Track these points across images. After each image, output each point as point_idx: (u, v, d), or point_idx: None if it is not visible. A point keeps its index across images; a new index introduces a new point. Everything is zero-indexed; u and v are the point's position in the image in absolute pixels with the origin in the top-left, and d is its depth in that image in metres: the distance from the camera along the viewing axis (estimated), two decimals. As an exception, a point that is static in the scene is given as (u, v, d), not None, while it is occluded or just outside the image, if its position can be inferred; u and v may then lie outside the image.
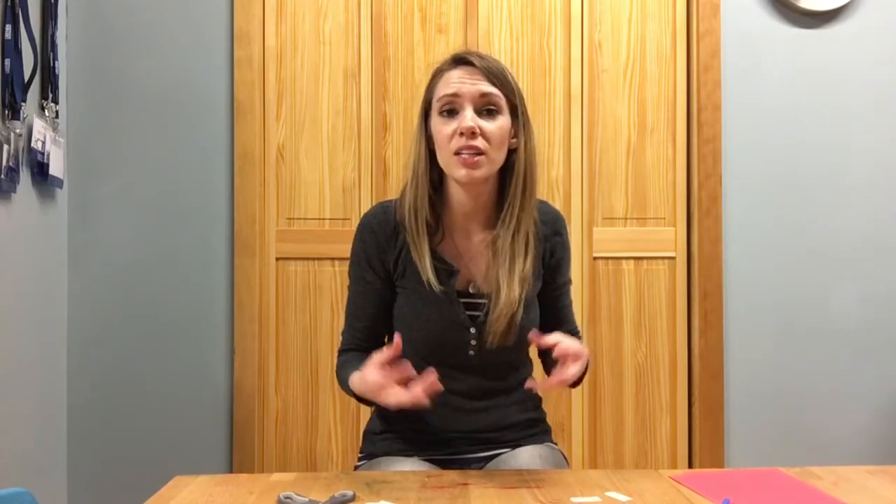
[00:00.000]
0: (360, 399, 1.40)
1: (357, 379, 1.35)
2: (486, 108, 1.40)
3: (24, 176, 1.89)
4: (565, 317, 1.55)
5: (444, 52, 2.21)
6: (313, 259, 2.26)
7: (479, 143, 1.37)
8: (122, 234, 2.19)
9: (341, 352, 1.50)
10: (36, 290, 2.00)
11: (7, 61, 1.78)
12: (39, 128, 1.92)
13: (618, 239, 2.31)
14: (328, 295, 2.25)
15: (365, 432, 1.57)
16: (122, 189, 2.19)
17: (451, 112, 1.40)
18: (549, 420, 1.60)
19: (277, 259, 2.26)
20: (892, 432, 2.30)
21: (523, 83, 2.24)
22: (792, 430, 2.29)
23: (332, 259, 2.24)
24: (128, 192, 2.19)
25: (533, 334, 1.29)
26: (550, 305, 1.51)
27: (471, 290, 1.46)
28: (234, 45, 2.21)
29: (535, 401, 1.57)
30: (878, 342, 2.31)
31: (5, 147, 1.76)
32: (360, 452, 1.57)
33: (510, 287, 1.40)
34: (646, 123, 2.31)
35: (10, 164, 1.79)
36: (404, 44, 2.28)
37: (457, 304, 1.43)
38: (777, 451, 2.27)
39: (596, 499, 1.16)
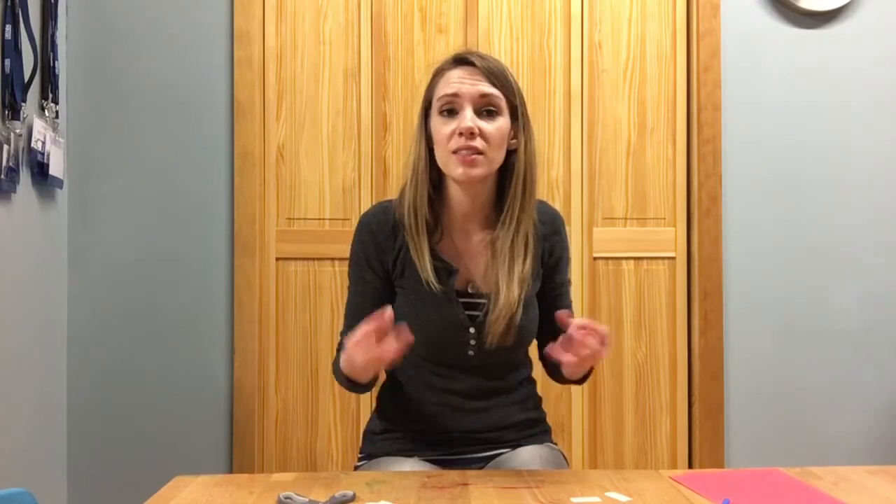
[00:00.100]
0: (350, 383, 1.39)
1: (344, 355, 1.33)
2: (485, 109, 1.40)
3: (24, 176, 1.89)
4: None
5: (444, 52, 2.21)
6: (313, 259, 2.26)
7: (478, 143, 1.37)
8: (122, 234, 2.19)
9: (337, 352, 1.50)
10: (36, 290, 2.00)
11: (7, 61, 1.78)
12: (39, 128, 1.92)
13: (618, 239, 2.31)
14: (328, 295, 2.25)
15: (365, 432, 1.57)
16: (122, 189, 2.19)
17: (450, 112, 1.40)
18: (549, 420, 1.60)
19: (277, 259, 2.26)
20: (892, 432, 2.30)
21: (523, 83, 2.24)
22: (792, 430, 2.29)
23: (332, 259, 2.24)
24: (128, 192, 2.19)
25: (563, 314, 1.27)
26: (550, 305, 1.51)
27: (469, 290, 1.46)
28: (234, 45, 2.21)
29: (535, 401, 1.57)
30: (878, 342, 2.31)
31: (5, 147, 1.76)
32: (360, 452, 1.57)
33: (509, 288, 1.40)
34: (646, 123, 2.31)
35: (10, 164, 1.79)
36: (404, 44, 2.28)
37: (456, 303, 1.43)
38: (777, 451, 2.27)
39: (596, 499, 1.16)
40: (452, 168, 1.40)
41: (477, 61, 1.41)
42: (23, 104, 1.84)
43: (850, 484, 1.24)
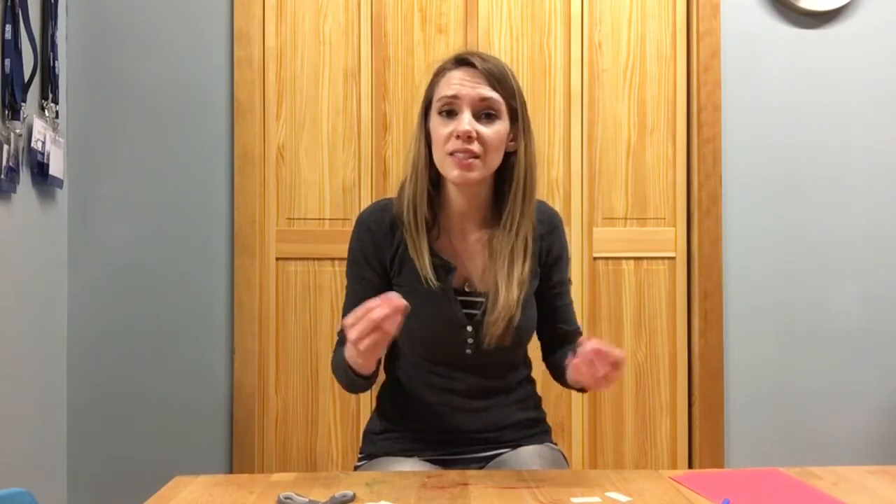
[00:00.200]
0: (351, 377, 1.36)
1: (347, 344, 1.29)
2: (484, 112, 1.40)
3: (24, 176, 1.89)
4: (566, 316, 1.54)
5: (444, 52, 2.21)
6: (313, 259, 2.26)
7: (475, 146, 1.38)
8: (122, 234, 2.19)
9: (336, 350, 1.50)
10: (36, 290, 2.00)
11: (7, 61, 1.78)
12: (39, 128, 1.92)
13: (618, 239, 2.31)
14: (328, 295, 2.25)
15: (365, 432, 1.57)
16: (122, 189, 2.19)
17: (449, 113, 1.40)
18: (549, 420, 1.60)
19: (277, 259, 2.26)
20: (892, 432, 2.30)
21: (523, 83, 2.21)
22: (792, 430, 2.29)
23: (332, 259, 2.24)
24: (128, 192, 2.19)
25: (582, 340, 1.24)
26: (550, 304, 1.51)
27: (466, 289, 1.46)
28: (234, 45, 2.21)
29: (534, 400, 1.57)
30: (878, 342, 2.31)
31: (5, 147, 1.76)
32: (360, 452, 1.57)
33: (509, 290, 1.40)
34: (646, 123, 2.31)
35: (10, 164, 1.79)
36: (404, 44, 2.28)
37: (454, 301, 1.43)
38: (777, 451, 2.27)
39: (596, 499, 1.16)
40: (448, 170, 1.40)
41: (478, 63, 1.41)
42: (23, 104, 1.84)
43: (850, 484, 1.24)
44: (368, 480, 1.26)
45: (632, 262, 2.31)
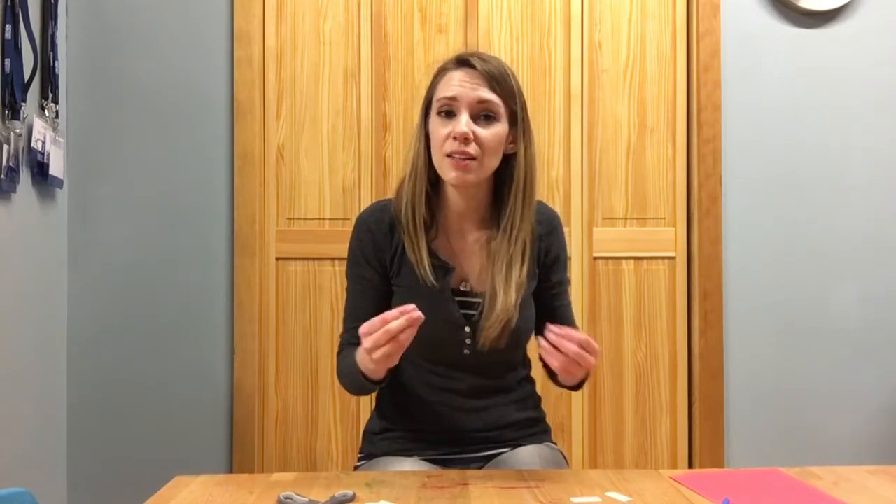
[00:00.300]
0: (360, 381, 1.36)
1: (361, 349, 1.30)
2: (483, 114, 1.40)
3: (24, 176, 1.89)
4: (564, 317, 1.54)
5: (444, 52, 2.21)
6: (313, 259, 2.26)
7: (472, 149, 1.38)
8: (122, 234, 2.19)
9: (340, 352, 1.50)
10: (36, 290, 2.00)
11: (7, 61, 1.78)
12: (39, 128, 1.92)
13: (618, 239, 2.31)
14: (328, 295, 2.25)
15: (365, 432, 1.57)
16: (122, 189, 2.19)
17: (448, 114, 1.41)
18: (549, 420, 1.60)
19: (277, 259, 2.26)
20: (892, 432, 2.30)
21: (523, 83, 2.22)
22: (792, 430, 2.29)
23: (332, 259, 2.24)
24: (128, 192, 2.19)
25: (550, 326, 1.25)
26: (548, 304, 1.51)
27: (464, 289, 1.46)
28: (234, 45, 2.21)
29: (534, 400, 1.57)
30: (878, 342, 2.31)
31: (5, 147, 1.76)
32: (360, 452, 1.57)
33: (507, 294, 1.40)
34: (646, 123, 2.31)
35: (10, 164, 1.79)
36: (404, 44, 2.28)
37: (452, 301, 1.44)
38: (777, 451, 2.27)
39: (596, 499, 1.16)
40: (446, 171, 1.40)
41: (478, 64, 1.40)
42: (23, 104, 1.84)
43: (850, 484, 1.24)
44: (368, 480, 1.26)
45: (632, 262, 2.31)
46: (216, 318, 2.20)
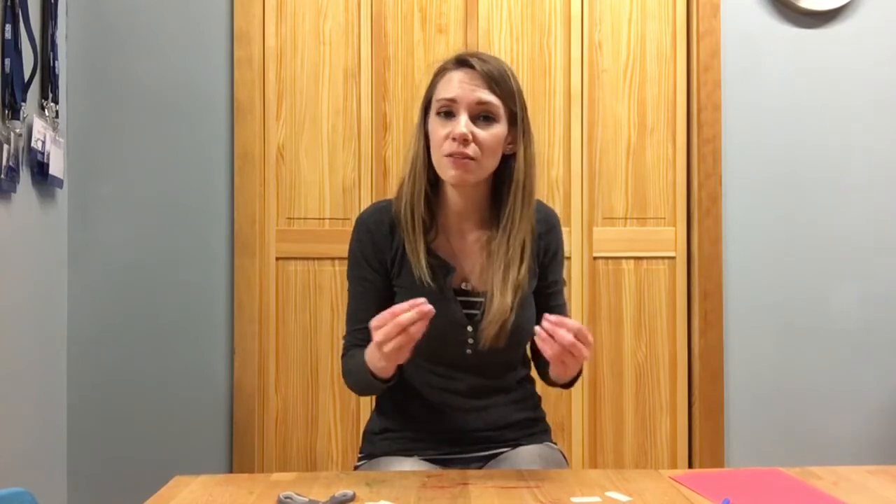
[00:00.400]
0: (368, 380, 1.36)
1: (371, 346, 1.30)
2: (482, 115, 1.40)
3: (24, 176, 1.89)
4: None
5: (444, 52, 2.21)
6: (313, 259, 2.26)
7: (471, 150, 1.38)
8: (122, 234, 2.19)
9: (344, 355, 1.50)
10: (36, 290, 2.00)
11: (7, 61, 1.78)
12: (39, 128, 1.92)
13: (618, 239, 2.31)
14: (328, 295, 2.25)
15: (365, 432, 1.57)
16: (122, 189, 2.19)
17: (447, 114, 1.41)
18: (549, 420, 1.60)
19: (277, 259, 2.26)
20: (892, 432, 2.30)
21: (523, 83, 2.21)
22: (792, 430, 2.29)
23: (332, 259, 2.24)
24: (128, 192, 2.19)
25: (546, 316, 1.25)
26: (544, 304, 1.51)
27: (465, 289, 1.46)
28: (234, 45, 2.21)
29: (534, 400, 1.57)
30: (878, 342, 2.31)
31: (5, 147, 1.76)
32: (360, 452, 1.57)
33: (503, 295, 1.40)
34: (646, 123, 2.31)
35: (10, 164, 1.79)
36: (404, 44, 2.28)
37: (453, 301, 1.44)
38: (777, 451, 2.27)
39: (596, 499, 1.16)
40: (445, 171, 1.41)
41: (478, 65, 1.40)
42: (23, 104, 1.84)
43: (850, 484, 1.24)
44: (368, 480, 1.26)
45: (632, 261, 2.31)
46: (216, 318, 2.20)
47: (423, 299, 1.21)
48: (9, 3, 1.80)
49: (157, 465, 2.13)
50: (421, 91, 1.50)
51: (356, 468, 1.53)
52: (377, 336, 1.23)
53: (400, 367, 1.36)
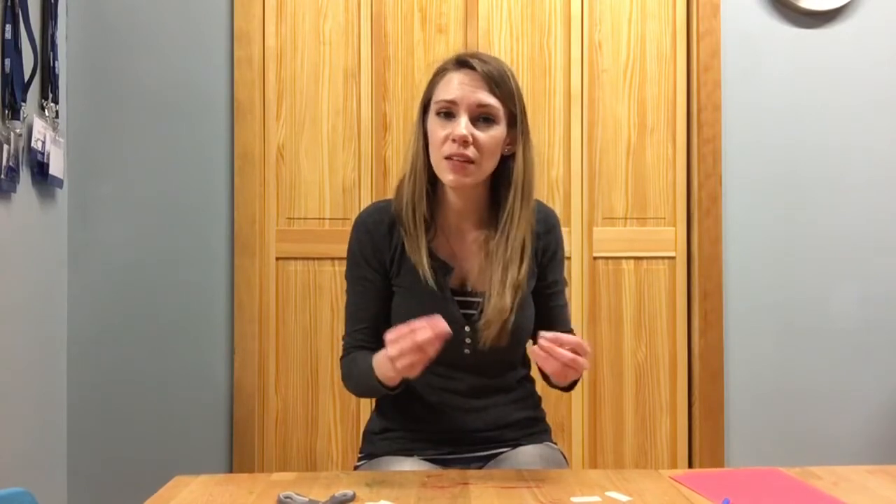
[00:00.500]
0: (375, 387, 1.36)
1: (381, 355, 1.31)
2: (482, 117, 1.40)
3: (24, 176, 1.89)
4: (559, 317, 1.53)
5: (444, 52, 2.21)
6: (313, 259, 2.26)
7: (470, 151, 1.38)
8: (122, 234, 2.19)
9: (345, 356, 1.49)
10: (36, 290, 2.00)
11: (7, 61, 1.78)
12: (39, 128, 1.92)
13: (618, 239, 2.31)
14: (328, 295, 2.25)
15: (365, 432, 1.57)
16: (122, 189, 2.19)
17: (447, 115, 1.41)
18: (549, 420, 1.60)
19: (277, 259, 2.26)
20: (892, 432, 2.30)
21: (523, 83, 2.22)
22: (792, 430, 2.29)
23: (332, 259, 2.24)
24: (128, 192, 2.19)
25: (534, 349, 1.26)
26: (544, 305, 1.51)
27: (464, 289, 1.46)
28: (234, 45, 2.21)
29: (534, 400, 1.57)
30: (878, 342, 2.31)
31: (5, 147, 1.76)
32: (360, 452, 1.57)
33: (502, 295, 1.40)
34: (646, 123, 2.31)
35: (10, 164, 1.79)
36: (404, 44, 2.28)
37: (451, 301, 1.44)
38: (777, 451, 2.27)
39: (596, 499, 1.16)
40: (444, 173, 1.41)
41: (478, 66, 1.40)
42: (23, 104, 1.84)
43: (850, 484, 1.24)
44: (368, 480, 1.26)
45: (632, 261, 2.31)
46: (216, 318, 2.20)
47: (440, 317, 1.21)
48: (9, 3, 1.80)
49: (157, 465, 2.13)
50: (421, 91, 1.50)
51: (356, 468, 1.53)
52: (392, 350, 1.23)
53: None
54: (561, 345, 1.23)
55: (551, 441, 1.56)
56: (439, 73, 1.45)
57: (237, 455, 2.19)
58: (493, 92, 1.40)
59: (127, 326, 2.18)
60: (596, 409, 2.30)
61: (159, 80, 2.20)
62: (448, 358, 1.44)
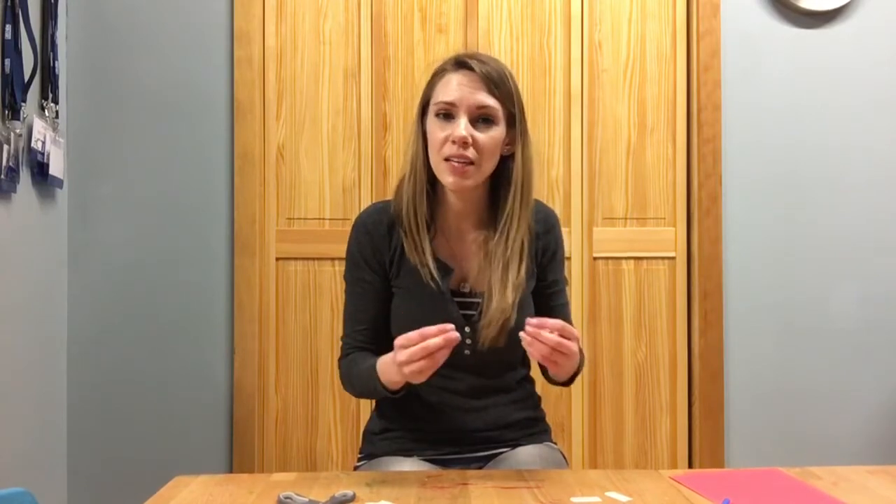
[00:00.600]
0: (378, 390, 1.36)
1: (387, 359, 1.31)
2: (481, 118, 1.40)
3: (24, 176, 1.89)
4: (560, 317, 1.52)
5: (444, 52, 2.21)
6: (313, 259, 2.26)
7: (470, 153, 1.38)
8: (122, 234, 2.19)
9: (343, 357, 1.49)
10: (36, 290, 2.00)
11: (7, 61, 1.78)
12: (39, 128, 1.92)
13: (618, 239, 2.31)
14: (328, 295, 2.25)
15: (365, 432, 1.57)
16: (122, 189, 2.19)
17: (447, 116, 1.41)
18: (549, 420, 1.60)
19: (277, 259, 2.26)
20: (892, 432, 2.30)
21: (523, 83, 2.24)
22: (792, 430, 2.29)
23: (332, 259, 2.24)
24: (128, 192, 2.19)
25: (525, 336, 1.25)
26: (545, 305, 1.51)
27: (463, 290, 1.46)
28: (234, 45, 2.21)
29: (534, 400, 1.57)
30: (878, 342, 2.31)
31: (5, 147, 1.76)
32: (360, 452, 1.57)
33: (503, 295, 1.40)
34: (646, 123, 2.31)
35: (10, 164, 1.79)
36: (404, 44, 2.28)
37: (451, 302, 1.44)
38: (777, 451, 2.27)
39: (596, 499, 1.16)
40: (443, 175, 1.41)
41: (477, 67, 1.40)
42: (23, 104, 1.84)
43: (850, 484, 1.24)
44: (368, 480, 1.26)
45: (632, 262, 2.31)
46: (216, 318, 2.20)
47: (451, 326, 1.21)
48: (9, 3, 1.80)
49: (157, 465, 2.13)
50: (421, 91, 1.50)
51: (356, 468, 1.53)
52: (401, 356, 1.22)
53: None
54: (549, 330, 1.22)
55: (551, 441, 1.56)
56: (438, 74, 1.45)
57: (237, 455, 2.19)
58: (492, 93, 1.40)
59: (127, 326, 2.18)
60: (596, 409, 2.30)
61: (159, 80, 2.20)
62: (448, 358, 1.45)
